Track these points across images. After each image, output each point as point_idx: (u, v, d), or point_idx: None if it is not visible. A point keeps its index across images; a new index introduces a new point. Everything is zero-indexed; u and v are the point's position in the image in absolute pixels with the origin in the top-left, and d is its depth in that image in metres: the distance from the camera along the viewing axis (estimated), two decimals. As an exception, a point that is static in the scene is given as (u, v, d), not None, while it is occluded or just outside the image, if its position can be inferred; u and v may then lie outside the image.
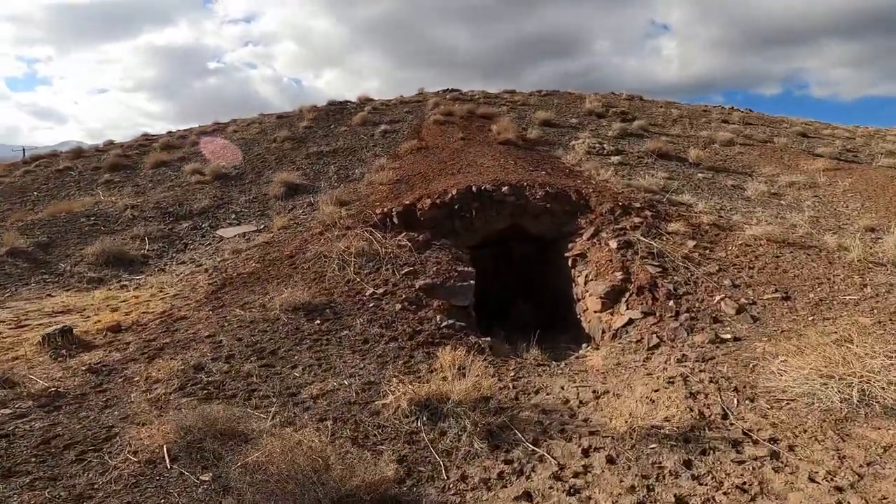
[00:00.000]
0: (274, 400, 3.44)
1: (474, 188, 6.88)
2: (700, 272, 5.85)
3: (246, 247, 7.41)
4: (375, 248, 6.07)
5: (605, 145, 12.39)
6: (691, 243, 6.40)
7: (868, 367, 3.57)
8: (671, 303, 5.35)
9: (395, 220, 6.63)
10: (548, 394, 3.76)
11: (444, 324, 4.81)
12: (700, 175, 11.04)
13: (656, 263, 5.92)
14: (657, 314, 5.26)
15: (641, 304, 5.40)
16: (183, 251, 7.84)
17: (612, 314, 5.56)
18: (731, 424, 3.25)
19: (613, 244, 6.29)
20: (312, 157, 12.44)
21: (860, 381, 3.50)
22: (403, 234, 6.44)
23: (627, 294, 5.57)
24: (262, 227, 8.47)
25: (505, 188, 6.96)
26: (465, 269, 5.83)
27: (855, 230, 7.73)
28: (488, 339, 4.88)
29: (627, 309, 5.43)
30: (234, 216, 9.21)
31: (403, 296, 5.19)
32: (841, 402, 3.42)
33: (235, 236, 8.12)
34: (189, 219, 9.20)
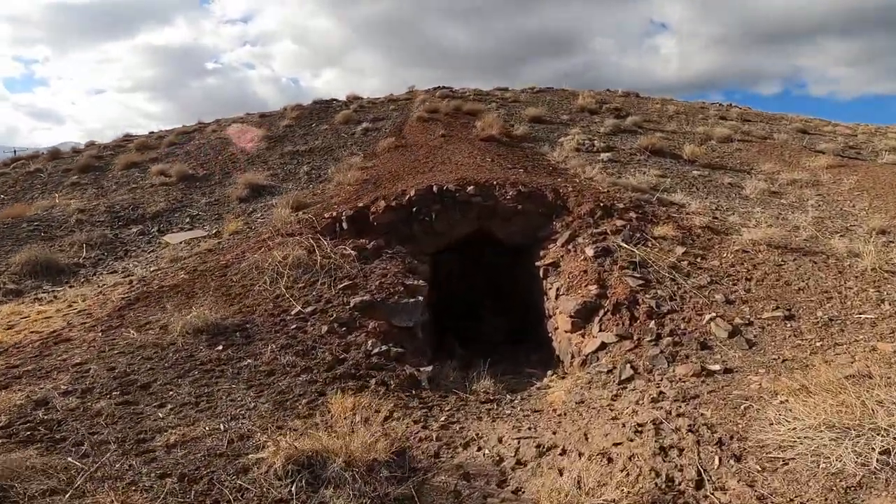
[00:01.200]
0: (113, 447, 2.65)
1: (435, 188, 6.06)
2: (688, 285, 4.98)
3: (187, 254, 6.64)
4: (316, 258, 5.27)
5: (595, 142, 11.52)
6: (680, 250, 5.53)
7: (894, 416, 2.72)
8: (652, 323, 4.49)
9: (345, 226, 5.83)
10: (480, 448, 2.93)
11: (376, 350, 3.99)
12: (695, 172, 10.15)
13: (638, 275, 5.06)
14: (635, 337, 4.41)
15: (617, 324, 4.55)
16: (122, 259, 7.10)
17: (583, 336, 4.71)
18: (705, 497, 2.41)
19: (590, 251, 5.43)
20: (286, 157, 11.68)
21: (883, 436, 2.65)
22: (352, 241, 5.63)
23: (602, 312, 4.72)
24: (213, 231, 7.70)
25: (470, 188, 6.13)
26: (415, 282, 5.00)
27: (865, 233, 6.82)
28: (430, 368, 4.04)
29: (601, 330, 4.58)
30: (188, 220, 8.46)
31: (334, 315, 4.38)
32: (856, 464, 2.56)
33: (181, 242, 7.36)
34: (140, 223, 8.47)
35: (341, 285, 4.79)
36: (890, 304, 4.57)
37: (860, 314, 4.41)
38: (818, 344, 4.10)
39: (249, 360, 3.70)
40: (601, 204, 6.30)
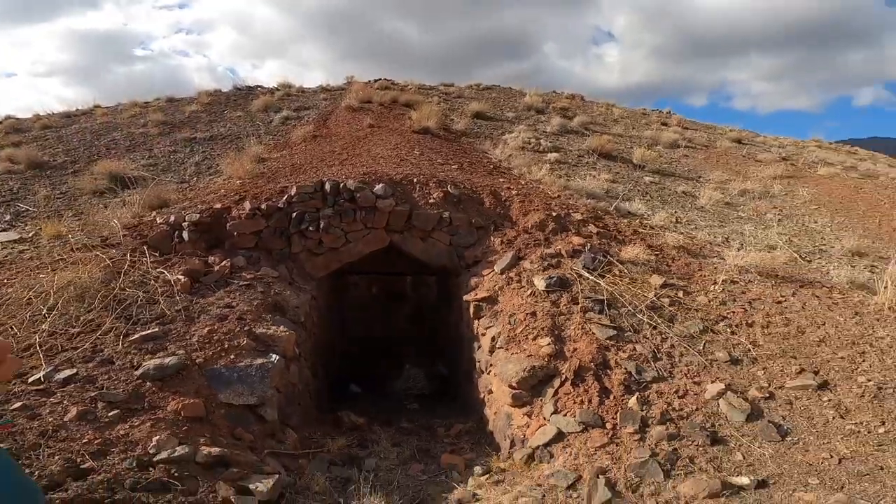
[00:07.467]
0: None
1: (328, 185, 4.05)
2: (675, 335, 3.33)
3: (-44, 272, 4.23)
4: (115, 287, 3.12)
5: (542, 141, 9.91)
6: (657, 280, 3.87)
7: None
8: (633, 400, 2.77)
9: (185, 236, 3.71)
10: None
11: (164, 455, 1.91)
12: (647, 178, 8.76)
13: (607, 321, 3.33)
14: (608, 426, 2.67)
15: (581, 402, 2.79)
16: None
17: (528, 416, 2.92)
18: None
19: (540, 283, 3.66)
20: (179, 144, 9.16)
21: None
22: (193, 259, 3.53)
23: (558, 381, 2.94)
24: (31, 235, 5.28)
25: (379, 186, 4.17)
26: (271, 329, 2.99)
27: (840, 255, 5.56)
28: (269, 482, 2.07)
29: (556, 411, 2.80)
30: (8, 219, 5.94)
31: (104, 387, 2.30)
32: None
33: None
34: (-62, 222, 5.85)
35: (139, 334, 2.70)
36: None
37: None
38: (881, 430, 2.56)
39: None
40: (553, 214, 4.56)
